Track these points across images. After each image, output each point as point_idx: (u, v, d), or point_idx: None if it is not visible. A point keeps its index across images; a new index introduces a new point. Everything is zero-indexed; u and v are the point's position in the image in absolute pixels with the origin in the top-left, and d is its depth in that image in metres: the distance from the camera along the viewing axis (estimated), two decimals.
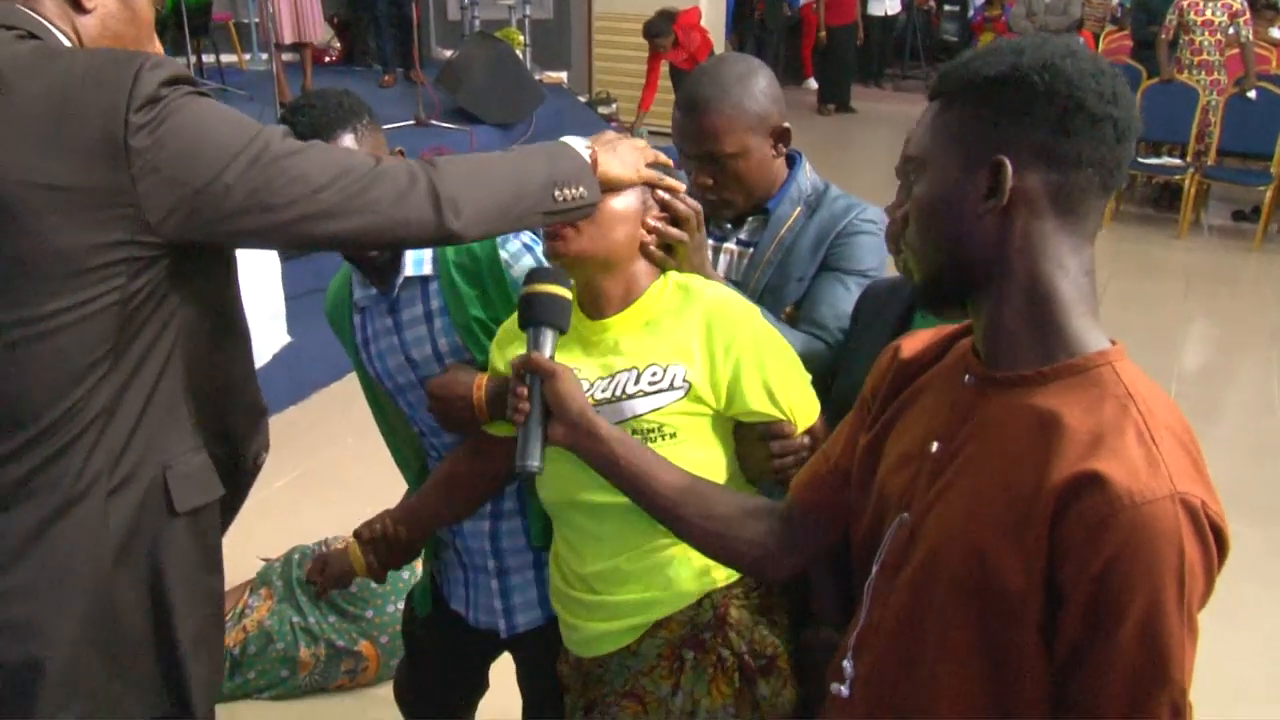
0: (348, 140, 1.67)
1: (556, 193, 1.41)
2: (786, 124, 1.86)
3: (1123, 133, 1.03)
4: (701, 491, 1.38)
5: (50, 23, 1.25)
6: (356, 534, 1.82)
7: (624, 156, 1.52)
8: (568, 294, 1.43)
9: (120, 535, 1.30)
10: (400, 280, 1.77)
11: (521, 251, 1.77)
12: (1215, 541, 0.98)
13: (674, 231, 1.59)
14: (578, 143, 1.49)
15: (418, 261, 1.77)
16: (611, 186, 1.50)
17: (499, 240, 1.76)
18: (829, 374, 1.73)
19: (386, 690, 2.99)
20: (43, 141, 1.15)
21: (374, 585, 3.01)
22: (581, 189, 1.43)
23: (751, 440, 1.55)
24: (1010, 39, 1.09)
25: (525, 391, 1.35)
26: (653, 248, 1.58)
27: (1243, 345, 5.94)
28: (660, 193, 1.58)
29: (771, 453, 1.54)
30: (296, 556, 3.07)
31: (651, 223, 1.57)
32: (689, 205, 1.62)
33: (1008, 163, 1.03)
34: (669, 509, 1.37)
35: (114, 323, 1.22)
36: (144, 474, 1.32)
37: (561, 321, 1.41)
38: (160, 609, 1.36)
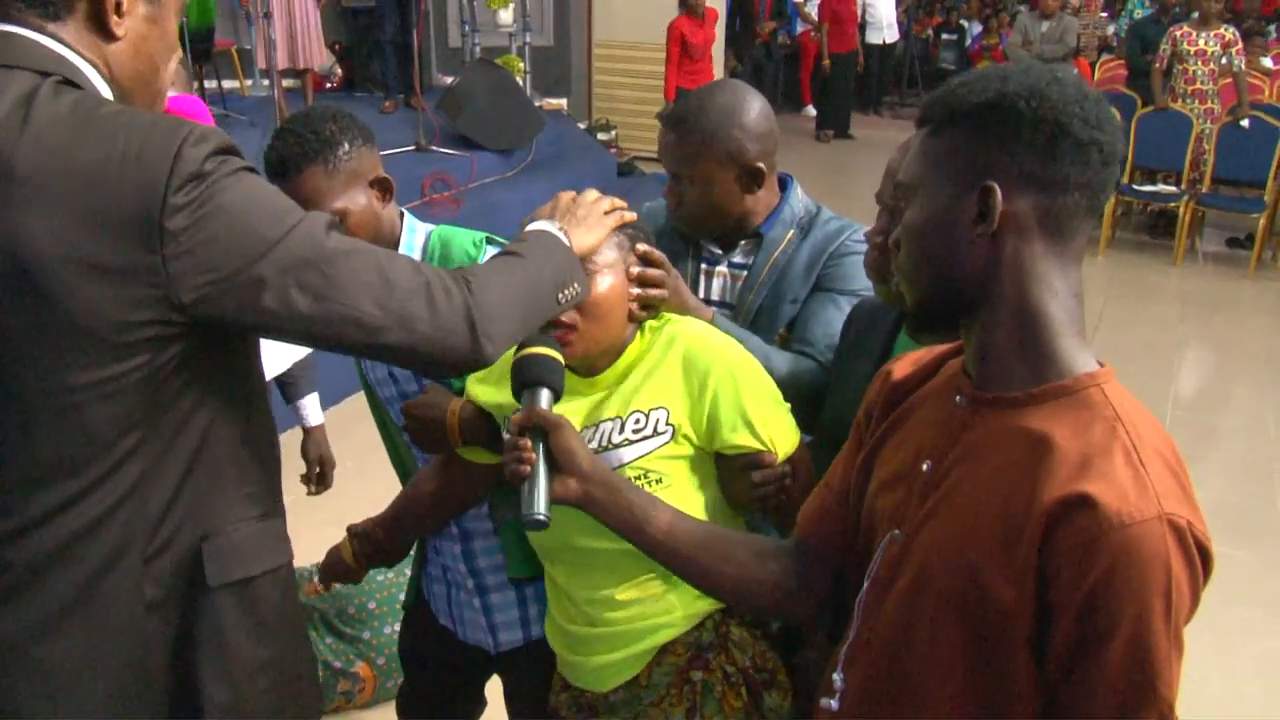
0: (316, 172, 1.66)
1: (560, 296, 1.41)
2: (761, 164, 1.85)
3: (1108, 156, 1.05)
4: (718, 537, 1.37)
5: (81, 56, 1.20)
6: (349, 528, 1.88)
7: (588, 221, 1.50)
8: (559, 355, 1.42)
9: (155, 601, 1.27)
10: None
11: None
12: (1201, 560, 1.00)
13: (655, 292, 1.59)
14: (549, 226, 1.46)
15: None
16: (586, 256, 1.49)
17: (480, 257, 1.77)
18: (820, 393, 1.75)
19: (382, 712, 3.00)
20: (79, 216, 1.11)
21: (370, 607, 3.02)
22: (576, 285, 1.43)
23: (733, 472, 1.56)
24: (998, 65, 1.11)
25: (529, 444, 1.33)
26: (636, 310, 1.57)
27: (1237, 370, 5.97)
28: (634, 269, 1.56)
29: (753, 482, 1.54)
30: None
31: (636, 292, 1.56)
32: (657, 260, 1.61)
33: (997, 188, 1.04)
34: (687, 556, 1.34)
35: (143, 396, 1.19)
36: (181, 543, 1.28)
37: (558, 383, 1.40)
38: (187, 676, 1.32)
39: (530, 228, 1.47)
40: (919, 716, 1.11)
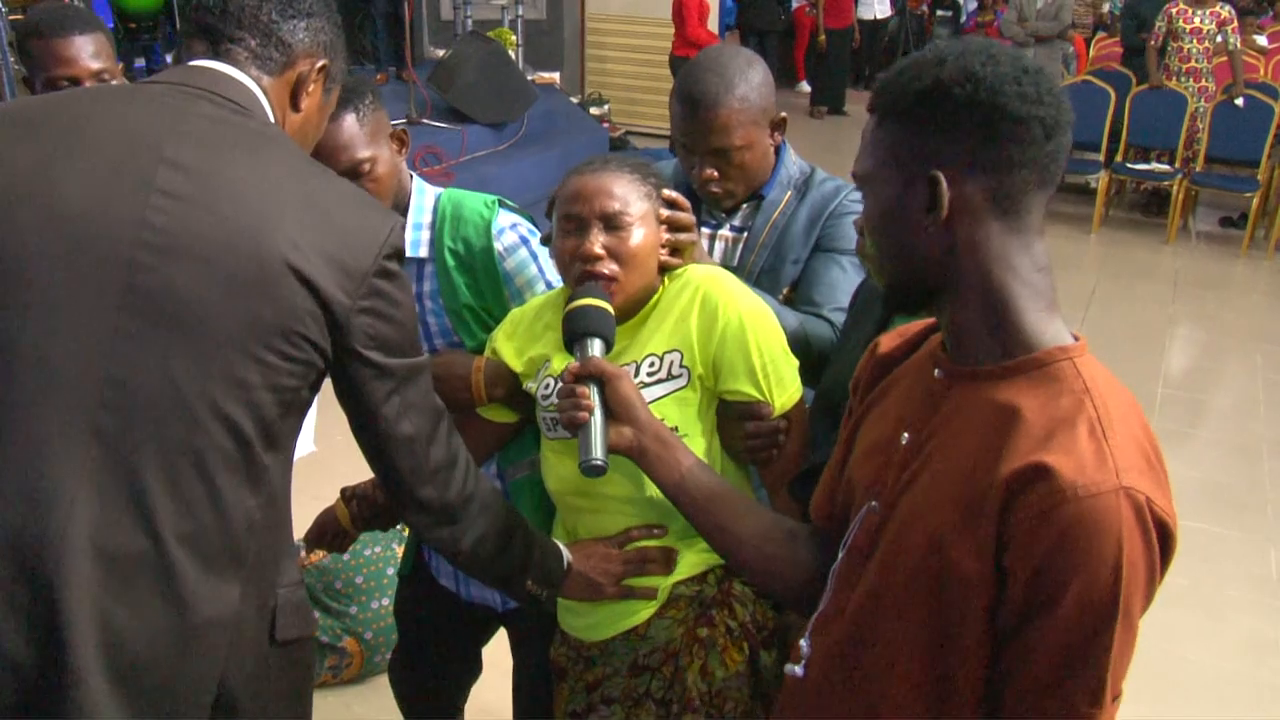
0: (349, 119, 1.70)
1: (529, 582, 1.56)
2: (783, 114, 1.90)
3: (1051, 129, 1.05)
4: (756, 512, 1.40)
5: (273, 110, 1.36)
6: (343, 490, 1.87)
7: (597, 572, 1.59)
8: (609, 306, 1.47)
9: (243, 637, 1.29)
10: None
11: (516, 245, 1.80)
12: (1161, 539, 1.00)
13: (684, 236, 1.63)
14: (567, 555, 1.60)
15: (414, 243, 1.82)
16: (574, 598, 1.60)
17: (494, 232, 1.79)
18: (828, 354, 1.76)
19: (370, 686, 3.01)
20: (316, 237, 1.23)
21: (358, 582, 3.02)
22: (546, 592, 1.58)
23: (729, 419, 1.57)
24: (937, 45, 1.11)
25: (588, 391, 1.38)
26: (667, 256, 1.61)
27: (1229, 349, 5.97)
28: (664, 211, 1.61)
29: (747, 432, 1.56)
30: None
31: (666, 237, 1.61)
32: (684, 205, 1.65)
33: (942, 177, 1.05)
34: (724, 525, 1.37)
35: (277, 413, 1.25)
36: (264, 594, 1.32)
37: (609, 333, 1.45)
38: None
39: (559, 543, 1.61)
40: (882, 682, 1.13)
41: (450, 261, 1.80)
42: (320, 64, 1.41)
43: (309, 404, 1.32)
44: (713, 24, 9.27)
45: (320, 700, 2.96)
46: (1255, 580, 3.66)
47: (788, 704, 1.29)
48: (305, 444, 2.86)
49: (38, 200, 1.19)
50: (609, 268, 1.52)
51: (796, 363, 1.61)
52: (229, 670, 1.27)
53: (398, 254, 1.31)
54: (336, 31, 1.45)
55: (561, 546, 1.60)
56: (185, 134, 1.24)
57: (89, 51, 2.07)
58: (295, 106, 1.41)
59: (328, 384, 1.34)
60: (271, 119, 1.36)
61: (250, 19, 1.35)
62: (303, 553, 3.04)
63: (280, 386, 1.23)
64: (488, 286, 1.80)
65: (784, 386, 1.57)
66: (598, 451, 1.35)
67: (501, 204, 1.85)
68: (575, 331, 1.44)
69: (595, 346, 1.43)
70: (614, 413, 1.38)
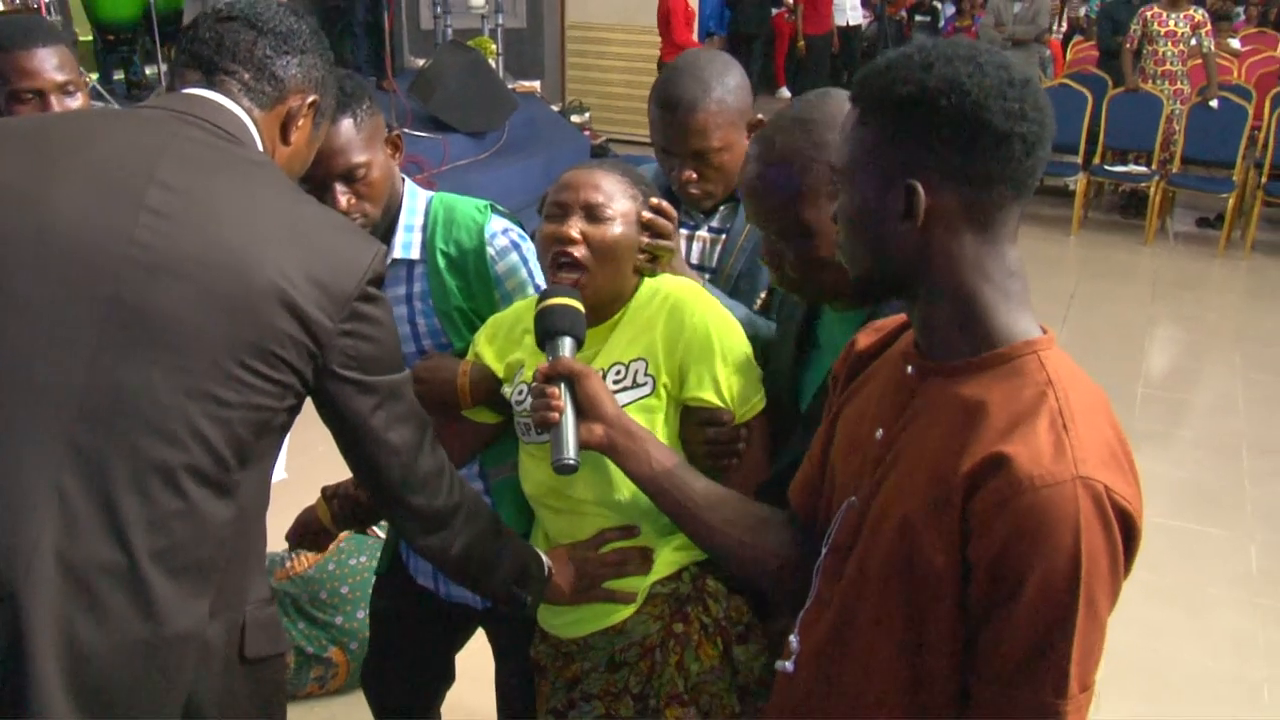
0: (346, 124, 1.71)
1: (514, 587, 1.57)
2: (760, 116, 1.91)
3: (1032, 146, 1.05)
4: (728, 499, 1.41)
5: (263, 141, 1.38)
6: (323, 489, 1.87)
7: (577, 576, 1.61)
8: (581, 306, 1.48)
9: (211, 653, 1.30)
10: (388, 261, 1.80)
11: (508, 249, 1.81)
12: (1123, 527, 1.01)
13: (664, 243, 1.63)
14: (548, 563, 1.61)
15: (405, 245, 1.83)
16: (556, 602, 1.61)
17: (487, 236, 1.81)
18: None
19: (357, 697, 2.97)
20: (299, 260, 1.25)
21: (344, 592, 3.01)
22: (529, 597, 1.59)
23: (691, 425, 1.59)
24: (924, 44, 1.11)
25: (558, 392, 1.39)
26: (643, 261, 1.62)
27: (1208, 349, 6.02)
28: (646, 214, 1.62)
29: (707, 438, 1.57)
30: (266, 564, 3.05)
31: (645, 241, 1.62)
32: (669, 213, 1.66)
33: (919, 187, 1.06)
34: (695, 514, 1.38)
35: (249, 431, 1.26)
36: (233, 611, 1.33)
37: (580, 332, 1.46)
38: None
39: (540, 551, 1.62)
40: (863, 676, 1.14)
41: (441, 263, 1.81)
42: (311, 99, 1.44)
43: (287, 426, 1.33)
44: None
45: (306, 712, 2.96)
46: (1237, 578, 3.69)
47: (779, 700, 1.30)
48: (277, 472, 2.86)
49: (28, 213, 1.20)
50: (580, 252, 1.54)
51: (760, 373, 1.62)
52: (197, 686, 1.28)
53: (379, 279, 1.33)
54: (329, 68, 1.48)
55: (541, 553, 1.62)
56: (177, 156, 1.26)
57: (53, 64, 2.06)
58: (285, 140, 1.43)
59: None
60: (261, 149, 1.38)
61: (245, 54, 1.38)
62: (288, 561, 3.03)
63: (257, 406, 1.24)
64: (479, 289, 1.82)
65: (746, 396, 1.58)
66: (569, 451, 1.36)
67: (493, 209, 1.87)
68: (547, 330, 1.46)
69: (565, 345, 1.44)
70: (583, 410, 1.39)
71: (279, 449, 1.35)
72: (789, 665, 1.24)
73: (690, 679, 1.55)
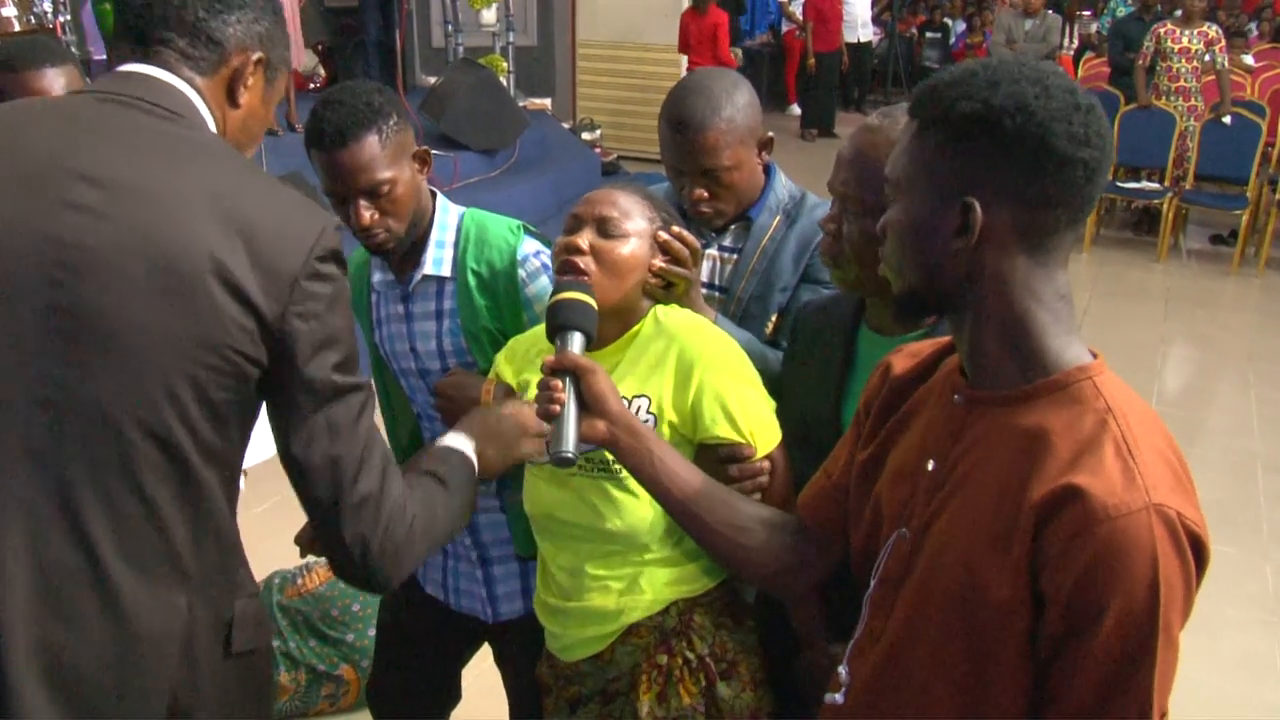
0: (371, 140, 1.70)
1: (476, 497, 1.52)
2: (770, 133, 1.92)
3: (1092, 172, 1.04)
4: (730, 501, 1.40)
5: (210, 110, 1.33)
6: None
7: (502, 441, 1.57)
8: (594, 302, 1.48)
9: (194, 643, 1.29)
10: (418, 276, 1.83)
11: (539, 271, 1.82)
12: (1195, 551, 1.00)
13: (679, 270, 1.63)
14: (465, 446, 1.53)
15: (437, 261, 1.84)
16: (488, 477, 1.56)
17: (519, 258, 1.82)
18: None
19: (367, 716, 2.98)
20: (235, 240, 1.20)
21: (355, 609, 3.00)
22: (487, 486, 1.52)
23: (712, 463, 1.57)
24: (989, 62, 1.09)
25: (561, 385, 1.38)
26: (654, 285, 1.62)
27: (1221, 367, 5.99)
28: (662, 234, 1.62)
29: (730, 476, 1.55)
30: (276, 581, 3.06)
31: (658, 264, 1.62)
32: (690, 244, 1.65)
33: (976, 205, 1.04)
34: (696, 514, 1.37)
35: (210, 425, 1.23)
36: (217, 607, 1.32)
37: (590, 327, 1.46)
38: None
39: (446, 442, 1.53)
40: (920, 712, 1.13)
41: (472, 282, 1.82)
42: (256, 57, 1.36)
43: (252, 416, 1.30)
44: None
45: None
46: (1252, 598, 3.66)
47: None
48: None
49: None
50: (585, 262, 1.54)
51: (774, 404, 1.61)
52: (182, 682, 1.26)
53: (333, 256, 1.27)
54: (274, 19, 1.38)
55: (460, 443, 1.54)
56: (100, 146, 1.21)
57: (61, 84, 2.06)
58: (234, 103, 1.36)
59: None
60: (209, 119, 1.32)
61: (176, 19, 1.30)
62: (300, 579, 3.03)
63: (211, 400, 1.21)
64: (508, 310, 1.83)
65: (764, 431, 1.58)
66: (568, 443, 1.34)
67: (526, 230, 1.87)
68: (556, 324, 1.45)
69: (575, 340, 1.43)
70: (587, 406, 1.38)
71: (246, 440, 1.31)
72: (839, 698, 1.23)
73: (670, 712, 1.55)
